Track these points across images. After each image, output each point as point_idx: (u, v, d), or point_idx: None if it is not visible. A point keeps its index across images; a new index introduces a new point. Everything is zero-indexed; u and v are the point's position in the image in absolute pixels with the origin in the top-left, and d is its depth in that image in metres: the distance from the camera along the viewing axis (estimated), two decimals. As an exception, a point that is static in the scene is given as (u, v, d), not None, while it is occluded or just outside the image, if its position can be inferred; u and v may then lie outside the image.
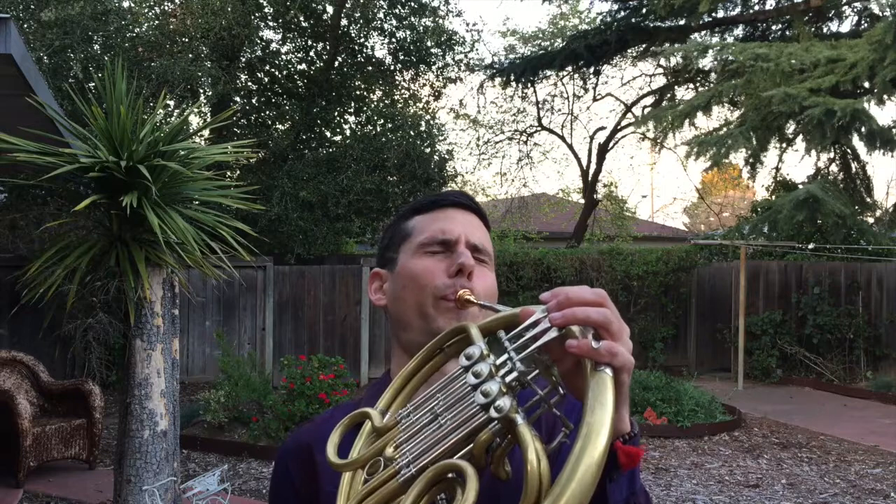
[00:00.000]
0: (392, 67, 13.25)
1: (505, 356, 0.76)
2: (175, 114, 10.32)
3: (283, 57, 13.23)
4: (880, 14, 11.32)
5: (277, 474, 1.14)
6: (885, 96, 9.84)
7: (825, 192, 10.06)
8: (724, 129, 11.33)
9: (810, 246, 11.91)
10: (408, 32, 12.85)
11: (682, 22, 12.93)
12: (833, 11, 12.27)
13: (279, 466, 1.13)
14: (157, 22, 10.97)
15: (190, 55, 10.26)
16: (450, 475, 0.72)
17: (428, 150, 11.79)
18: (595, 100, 17.30)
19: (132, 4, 10.95)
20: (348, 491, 0.82)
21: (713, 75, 13.70)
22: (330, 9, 12.69)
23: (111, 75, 4.14)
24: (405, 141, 11.44)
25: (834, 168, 12.78)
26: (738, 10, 13.08)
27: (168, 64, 9.74)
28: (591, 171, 16.34)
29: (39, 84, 4.66)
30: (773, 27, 13.56)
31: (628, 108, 16.64)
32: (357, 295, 10.81)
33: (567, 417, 0.78)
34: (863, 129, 10.05)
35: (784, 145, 12.36)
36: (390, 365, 1.14)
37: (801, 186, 11.04)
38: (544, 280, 11.14)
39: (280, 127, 12.99)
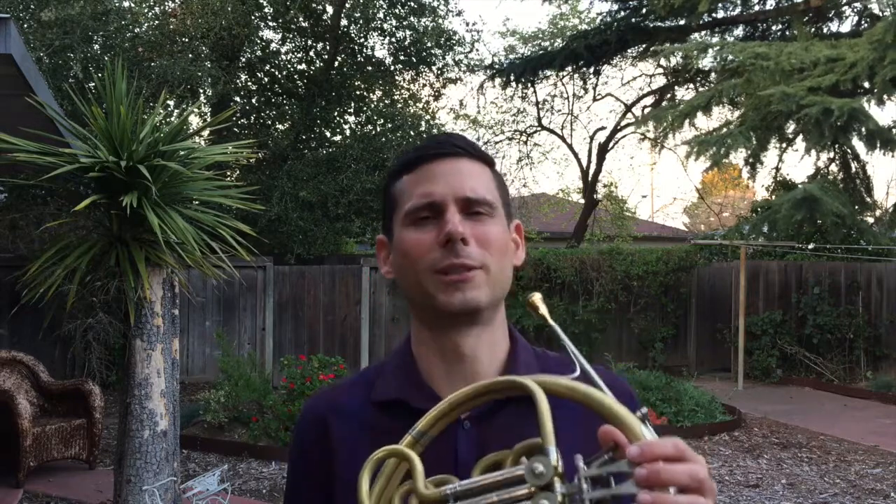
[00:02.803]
0: (392, 67, 13.25)
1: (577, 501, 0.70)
2: (175, 114, 10.32)
3: (283, 57, 13.24)
4: (880, 14, 11.32)
5: (294, 449, 1.09)
6: (885, 96, 9.84)
7: (824, 192, 10.05)
8: (724, 129, 11.33)
9: (810, 246, 11.91)
10: (408, 32, 12.85)
11: (682, 22, 12.93)
12: (833, 11, 12.27)
13: (295, 441, 1.09)
14: (157, 22, 10.97)
15: (190, 55, 10.26)
16: None
17: (428, 150, 11.79)
18: (595, 100, 17.30)
19: (132, 4, 10.96)
20: None
21: (713, 75, 13.70)
22: (330, 9, 12.70)
23: (111, 75, 4.14)
24: (405, 141, 11.44)
25: (834, 168, 12.78)
26: (738, 10, 13.08)
27: (168, 64, 9.74)
28: (591, 171, 16.33)
29: (39, 84, 4.66)
30: (773, 27, 13.55)
31: (628, 108, 16.63)
32: (357, 295, 10.81)
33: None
34: (862, 129, 10.05)
35: (784, 145, 12.36)
36: (409, 329, 1.09)
37: (800, 186, 11.04)
38: (544, 280, 11.14)
39: (280, 127, 13.00)
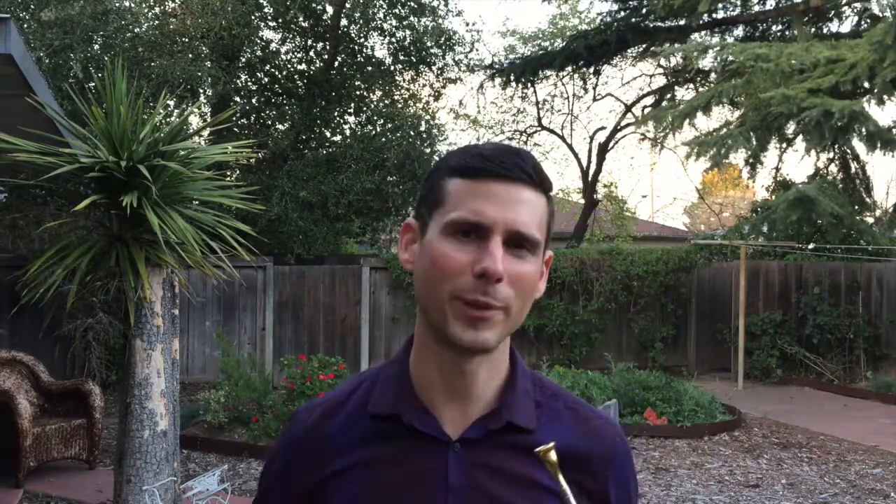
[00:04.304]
0: (392, 67, 13.25)
1: None
2: (175, 114, 10.32)
3: (283, 57, 13.23)
4: (880, 14, 11.32)
5: (272, 472, 1.06)
6: (885, 97, 9.84)
7: (820, 192, 10.05)
8: (724, 129, 11.33)
9: (810, 246, 11.91)
10: (407, 32, 12.85)
11: (682, 22, 12.92)
12: (833, 12, 12.26)
13: (277, 463, 1.06)
14: (157, 22, 10.96)
15: (190, 55, 10.25)
16: None
17: (428, 150, 11.80)
18: (595, 100, 17.31)
19: (132, 4, 10.95)
20: None
21: (713, 75, 13.70)
22: (330, 9, 12.69)
23: (111, 75, 4.14)
24: (405, 141, 11.44)
25: (833, 168, 12.78)
26: (737, 10, 13.08)
27: (168, 64, 9.74)
28: (591, 171, 16.34)
29: (39, 84, 4.66)
30: (773, 27, 13.56)
31: (628, 109, 16.63)
32: (357, 295, 10.80)
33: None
34: (862, 130, 10.04)
35: (784, 145, 12.37)
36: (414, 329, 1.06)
37: (796, 187, 11.04)
38: (544, 280, 11.13)
39: (280, 127, 12.99)
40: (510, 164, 0.96)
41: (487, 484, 0.97)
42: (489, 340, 0.94)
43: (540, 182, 0.98)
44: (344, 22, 12.62)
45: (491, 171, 0.95)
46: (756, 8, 13.18)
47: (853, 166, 12.67)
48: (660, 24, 13.25)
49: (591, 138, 16.80)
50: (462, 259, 0.93)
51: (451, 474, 0.97)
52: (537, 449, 0.92)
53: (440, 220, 0.96)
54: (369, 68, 12.97)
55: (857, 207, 11.77)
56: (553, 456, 0.92)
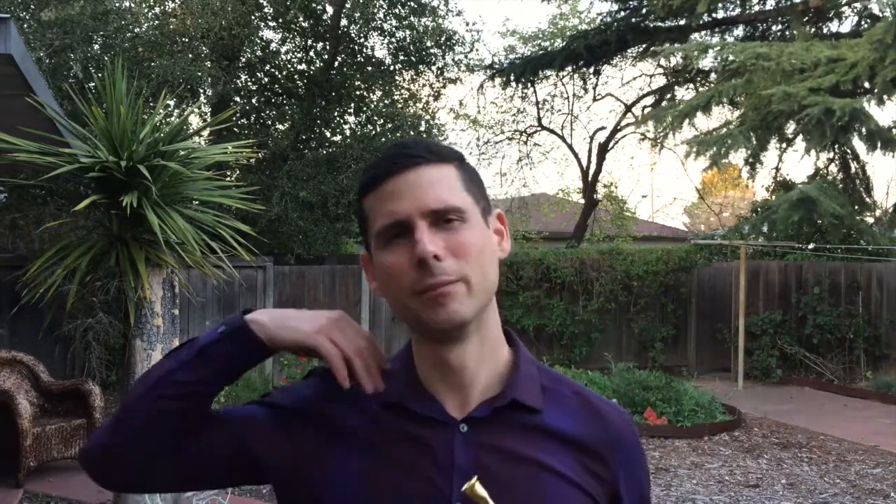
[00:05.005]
0: (392, 67, 13.25)
1: None
2: (175, 114, 10.32)
3: (283, 57, 13.22)
4: (880, 14, 11.32)
5: (292, 390, 1.09)
6: (886, 96, 9.84)
7: (821, 192, 10.05)
8: (724, 128, 11.33)
9: (810, 246, 11.91)
10: (407, 32, 12.84)
11: (681, 22, 12.93)
12: (833, 12, 12.26)
13: (300, 386, 1.09)
14: (157, 22, 10.96)
15: (190, 55, 10.25)
16: None
17: (428, 150, 11.79)
18: (595, 100, 17.29)
19: (132, 4, 10.95)
20: None
21: (713, 75, 13.70)
22: (330, 9, 12.69)
23: (111, 75, 4.14)
24: (405, 141, 11.43)
25: (833, 168, 12.77)
26: (737, 10, 13.08)
27: (168, 64, 9.74)
28: (591, 171, 16.33)
29: (39, 84, 4.66)
30: (773, 27, 13.56)
31: (628, 108, 16.62)
32: (357, 295, 10.80)
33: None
34: (863, 130, 10.04)
35: (784, 145, 12.36)
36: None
37: (798, 187, 11.03)
38: (544, 280, 11.14)
39: (280, 127, 12.98)
40: (399, 156, 0.99)
41: (492, 464, 0.97)
42: (460, 311, 0.96)
43: (438, 156, 1.00)
44: (344, 22, 12.62)
45: (385, 172, 0.99)
46: (756, 8, 13.18)
47: (853, 166, 12.66)
48: (660, 24, 13.25)
49: (591, 138, 16.80)
50: (402, 260, 0.96)
51: (456, 455, 0.98)
52: (462, 488, 0.92)
53: (373, 237, 1.01)
54: (369, 68, 12.96)
55: (857, 207, 11.77)
56: (479, 489, 0.91)
